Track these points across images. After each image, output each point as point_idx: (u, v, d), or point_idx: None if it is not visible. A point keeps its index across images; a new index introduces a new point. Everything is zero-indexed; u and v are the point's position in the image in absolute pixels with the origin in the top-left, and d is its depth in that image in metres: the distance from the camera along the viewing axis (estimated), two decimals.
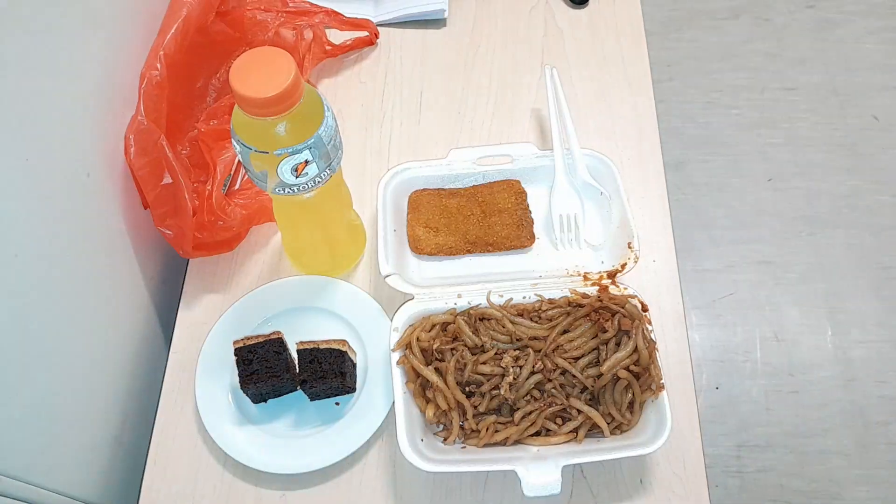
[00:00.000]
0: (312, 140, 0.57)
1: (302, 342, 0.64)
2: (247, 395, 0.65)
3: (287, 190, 0.59)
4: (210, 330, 0.69)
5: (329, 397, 0.67)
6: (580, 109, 0.83)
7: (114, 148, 0.67)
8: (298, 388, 0.65)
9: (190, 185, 0.69)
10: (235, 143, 0.57)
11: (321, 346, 0.63)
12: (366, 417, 0.65)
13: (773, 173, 1.62)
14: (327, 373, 0.63)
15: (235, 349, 0.64)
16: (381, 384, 0.66)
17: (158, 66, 0.69)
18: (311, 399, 0.66)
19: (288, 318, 0.70)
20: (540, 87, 0.84)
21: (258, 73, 0.53)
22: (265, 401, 0.67)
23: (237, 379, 0.64)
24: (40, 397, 0.57)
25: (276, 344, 0.64)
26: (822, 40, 1.78)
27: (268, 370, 0.63)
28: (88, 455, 0.65)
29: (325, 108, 0.58)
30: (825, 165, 1.62)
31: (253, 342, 0.64)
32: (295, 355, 0.65)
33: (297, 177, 0.58)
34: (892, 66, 1.73)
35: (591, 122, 0.83)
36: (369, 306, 0.71)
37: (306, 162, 0.57)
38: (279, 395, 0.67)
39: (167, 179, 0.67)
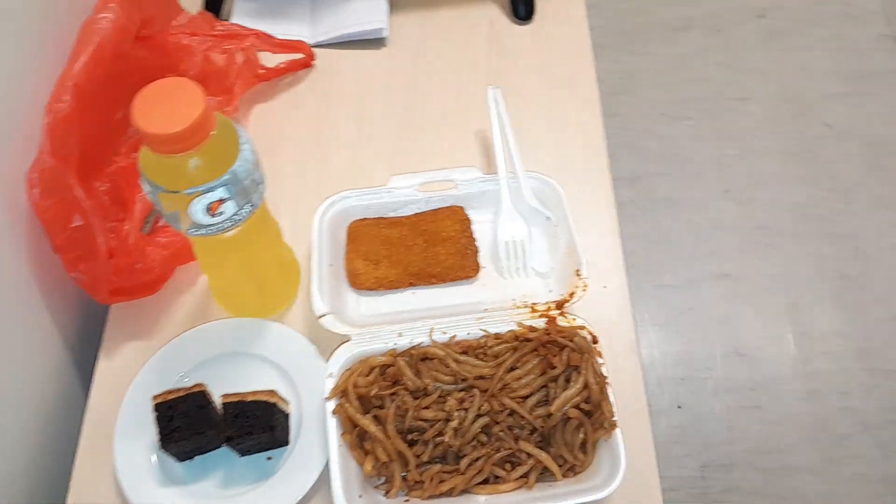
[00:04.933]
0: (227, 177, 0.52)
1: (227, 395, 0.59)
2: (169, 454, 0.59)
3: (203, 230, 0.55)
4: (130, 383, 0.64)
5: (260, 452, 0.62)
6: (527, 130, 0.80)
7: (15, 189, 0.61)
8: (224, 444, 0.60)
9: (104, 227, 0.64)
10: (143, 183, 0.53)
11: (248, 399, 0.58)
12: (300, 473, 0.60)
13: (729, 184, 1.61)
14: (255, 427, 0.58)
15: (154, 405, 0.59)
16: (317, 435, 0.62)
17: (67, 97, 0.63)
18: (241, 454, 0.61)
19: (216, 366, 0.65)
20: (484, 108, 0.81)
21: (163, 106, 0.49)
22: (191, 458, 0.62)
23: None
24: None
25: (198, 398, 0.59)
26: (773, 50, 1.79)
27: (190, 427, 0.58)
28: None
29: (242, 140, 0.54)
30: (780, 175, 1.62)
31: (173, 397, 0.59)
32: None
33: (212, 216, 0.54)
34: (843, 74, 1.75)
35: (539, 144, 0.80)
36: (304, 349, 0.66)
37: (221, 200, 0.53)
38: (205, 452, 0.62)
39: (77, 221, 0.62)
